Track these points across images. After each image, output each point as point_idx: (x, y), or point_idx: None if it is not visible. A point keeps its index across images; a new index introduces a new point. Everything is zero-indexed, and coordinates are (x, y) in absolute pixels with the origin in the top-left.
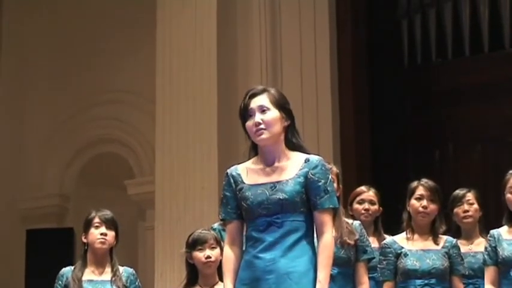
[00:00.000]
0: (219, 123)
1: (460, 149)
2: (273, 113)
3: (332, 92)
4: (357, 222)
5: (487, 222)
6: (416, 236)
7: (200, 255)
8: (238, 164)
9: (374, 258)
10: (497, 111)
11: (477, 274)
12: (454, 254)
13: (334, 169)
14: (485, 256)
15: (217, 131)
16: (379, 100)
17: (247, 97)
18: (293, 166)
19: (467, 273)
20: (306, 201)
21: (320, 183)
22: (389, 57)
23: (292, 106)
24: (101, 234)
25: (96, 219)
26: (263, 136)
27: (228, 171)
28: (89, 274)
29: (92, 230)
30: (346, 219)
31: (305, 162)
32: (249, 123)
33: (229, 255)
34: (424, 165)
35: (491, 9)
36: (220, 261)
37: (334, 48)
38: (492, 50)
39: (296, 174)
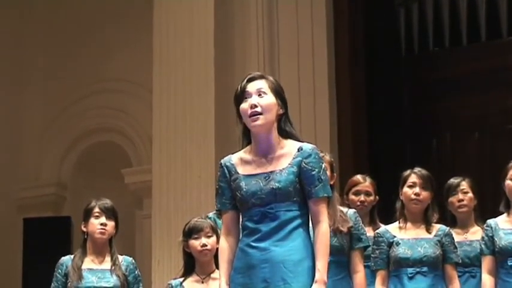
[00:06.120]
0: (216, 113)
1: (457, 138)
2: (270, 98)
3: (329, 81)
4: (351, 211)
5: (484, 210)
6: (409, 225)
7: (196, 243)
8: (232, 153)
9: (369, 246)
10: (494, 100)
11: (473, 263)
12: (447, 242)
13: (327, 157)
14: (482, 246)
15: (215, 120)
16: (376, 89)
17: (245, 81)
18: (286, 155)
19: (460, 261)
20: (300, 190)
21: (314, 172)
22: (386, 46)
23: (289, 95)
24: (101, 224)
25: (96, 209)
26: (258, 122)
27: (222, 161)
28: (88, 263)
29: (92, 220)
30: (341, 208)
31: (298, 151)
32: (244, 106)
33: (224, 246)
34: (422, 154)
35: None
36: (217, 250)
37: (332, 37)
38: (489, 39)
39: (289, 164)
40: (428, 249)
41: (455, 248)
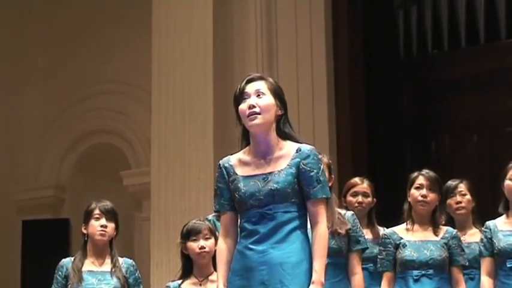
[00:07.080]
0: (215, 114)
1: (456, 140)
2: (269, 99)
3: (328, 82)
4: (349, 213)
5: (484, 212)
6: (416, 227)
7: (194, 245)
8: (231, 155)
9: (367, 248)
10: (493, 102)
11: (472, 265)
12: (454, 245)
13: (325, 159)
14: (481, 247)
15: (213, 122)
16: (375, 90)
17: (244, 82)
18: (285, 156)
19: (467, 264)
20: (299, 191)
21: (312, 173)
22: (385, 47)
23: (288, 96)
24: (101, 226)
25: (97, 211)
26: (256, 121)
27: (221, 162)
28: (89, 265)
29: (92, 222)
30: (339, 210)
31: (297, 152)
32: (243, 106)
33: (222, 247)
34: (421, 156)
35: (487, 0)
36: (215, 252)
37: (330, 39)
38: (488, 41)
39: (288, 165)
40: (435, 252)
41: (462, 250)
